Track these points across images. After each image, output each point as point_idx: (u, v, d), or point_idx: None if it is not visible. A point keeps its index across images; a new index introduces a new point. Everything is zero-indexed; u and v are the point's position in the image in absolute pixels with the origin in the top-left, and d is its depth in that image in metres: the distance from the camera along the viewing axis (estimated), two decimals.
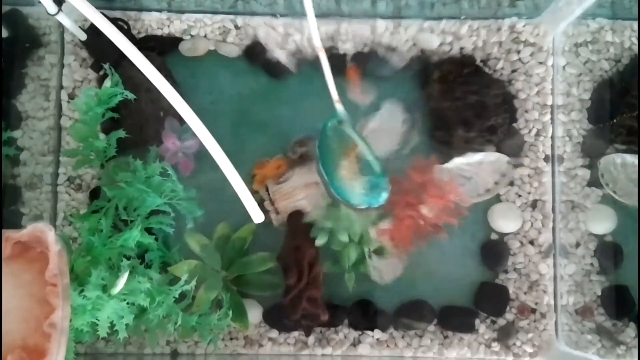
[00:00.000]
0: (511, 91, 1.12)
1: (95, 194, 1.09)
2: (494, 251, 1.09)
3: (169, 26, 1.14)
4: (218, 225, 1.06)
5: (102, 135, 1.06)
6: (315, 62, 1.13)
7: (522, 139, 1.11)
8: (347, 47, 1.13)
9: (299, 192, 1.04)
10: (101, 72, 1.12)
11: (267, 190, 1.05)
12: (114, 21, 1.07)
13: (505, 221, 1.09)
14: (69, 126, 1.11)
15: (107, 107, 1.01)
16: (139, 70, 0.71)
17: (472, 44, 1.13)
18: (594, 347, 1.05)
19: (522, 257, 1.09)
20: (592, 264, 1.09)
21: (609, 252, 1.08)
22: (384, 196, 0.95)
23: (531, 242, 1.09)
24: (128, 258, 0.90)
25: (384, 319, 1.07)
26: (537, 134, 1.11)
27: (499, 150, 1.10)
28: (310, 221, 1.03)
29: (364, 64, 1.12)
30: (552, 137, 1.12)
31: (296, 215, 1.04)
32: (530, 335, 1.07)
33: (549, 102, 1.12)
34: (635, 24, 1.12)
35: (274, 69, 1.13)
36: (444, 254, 1.08)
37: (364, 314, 1.07)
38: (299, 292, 0.99)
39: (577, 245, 1.09)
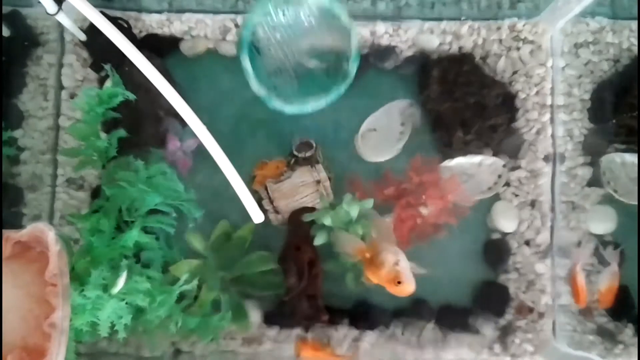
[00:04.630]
0: (511, 91, 1.12)
1: (96, 194, 1.09)
2: (495, 250, 1.09)
3: (169, 26, 1.14)
4: (218, 223, 1.06)
5: (102, 135, 1.06)
6: None
7: (521, 139, 1.11)
8: None
9: (299, 191, 1.04)
10: (102, 73, 1.11)
11: (266, 190, 1.05)
12: (114, 21, 1.07)
13: (506, 220, 1.08)
14: (67, 126, 1.11)
15: (107, 107, 1.01)
16: (139, 70, 0.71)
17: (472, 42, 1.13)
18: (593, 347, 1.05)
19: (521, 257, 1.09)
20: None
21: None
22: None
23: (527, 243, 1.09)
24: (127, 258, 0.90)
25: (383, 318, 1.07)
26: (537, 133, 1.11)
27: (498, 150, 1.10)
28: (310, 221, 1.03)
29: (363, 63, 1.12)
30: (553, 137, 1.11)
31: (296, 215, 1.04)
32: (529, 335, 1.07)
33: (548, 102, 1.11)
34: (634, 24, 1.12)
35: None
36: (444, 252, 1.08)
37: (364, 313, 1.07)
38: (300, 291, 0.99)
39: (578, 244, 1.09)
